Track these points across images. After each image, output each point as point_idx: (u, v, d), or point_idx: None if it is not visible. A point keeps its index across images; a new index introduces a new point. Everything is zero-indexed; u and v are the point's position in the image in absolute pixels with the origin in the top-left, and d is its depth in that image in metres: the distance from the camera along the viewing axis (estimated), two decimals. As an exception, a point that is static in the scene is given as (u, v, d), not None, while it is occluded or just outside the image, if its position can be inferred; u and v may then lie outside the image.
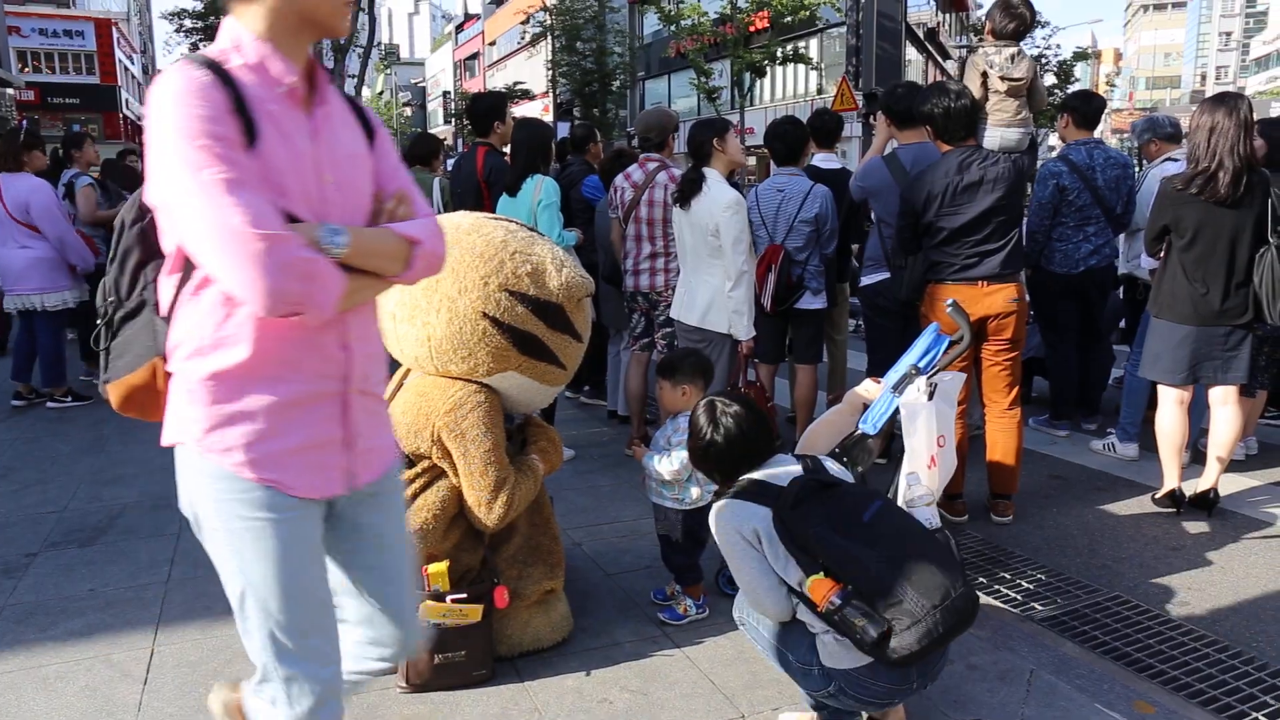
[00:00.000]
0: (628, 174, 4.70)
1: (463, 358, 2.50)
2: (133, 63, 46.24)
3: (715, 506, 2.24)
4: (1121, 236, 5.26)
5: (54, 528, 3.82)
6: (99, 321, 1.75)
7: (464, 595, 2.53)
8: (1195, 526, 3.90)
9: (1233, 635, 3.01)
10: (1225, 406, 3.88)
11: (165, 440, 1.60)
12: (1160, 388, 3.97)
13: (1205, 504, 3.94)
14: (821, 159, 5.12)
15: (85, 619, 3.00)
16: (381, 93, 70.92)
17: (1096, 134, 5.14)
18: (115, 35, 39.91)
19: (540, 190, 4.38)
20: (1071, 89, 32.92)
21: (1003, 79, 4.77)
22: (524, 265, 2.48)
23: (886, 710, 2.30)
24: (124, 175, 7.62)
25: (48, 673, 2.67)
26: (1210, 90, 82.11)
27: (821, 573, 2.00)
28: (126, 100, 42.31)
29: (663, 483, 2.91)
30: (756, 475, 2.23)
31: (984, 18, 5.38)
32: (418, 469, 2.54)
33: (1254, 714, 2.55)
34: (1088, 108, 5.03)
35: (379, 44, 27.50)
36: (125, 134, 38.65)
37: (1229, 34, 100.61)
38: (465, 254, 2.45)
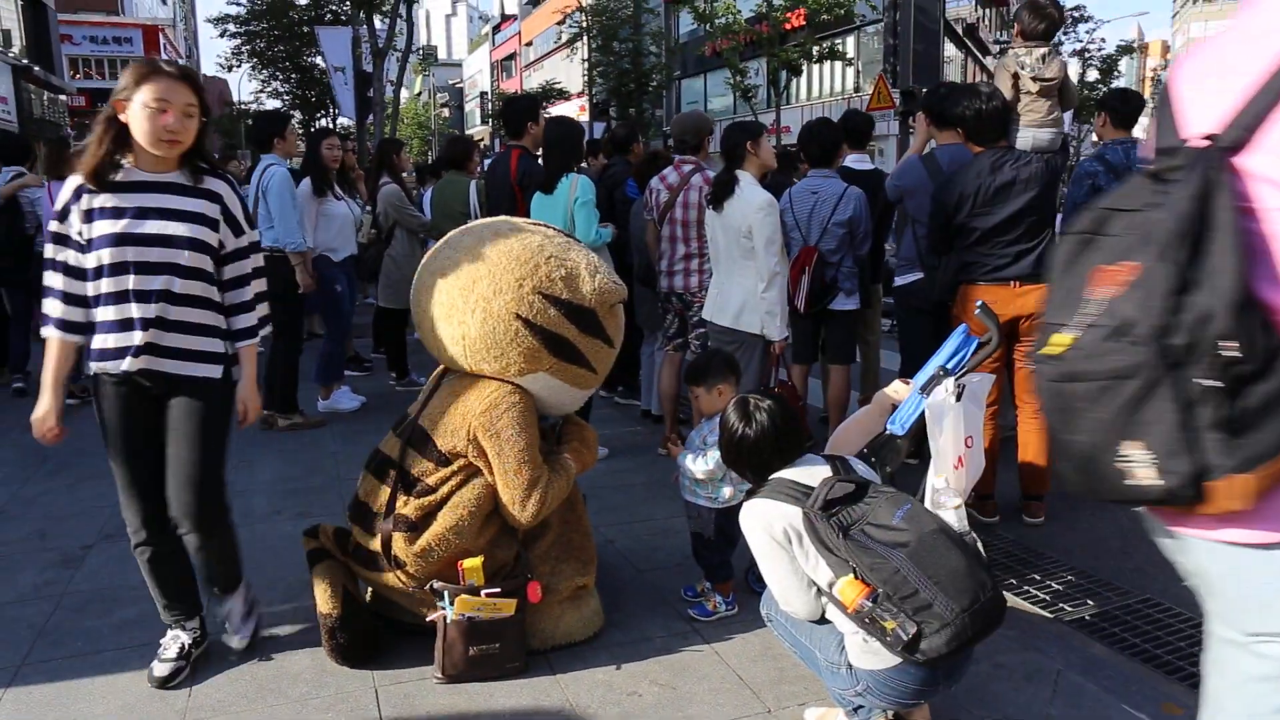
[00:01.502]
0: (663, 176, 4.76)
1: (495, 357, 2.57)
2: (179, 67, 47.22)
3: (746, 505, 2.29)
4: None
5: (108, 520, 3.97)
6: (1216, 384, 1.09)
7: (498, 589, 2.61)
8: (1232, 530, 3.86)
9: (1267, 639, 2.99)
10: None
11: None
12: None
13: (1243, 507, 3.89)
14: (854, 160, 5.14)
15: (139, 607, 3.12)
16: (419, 94, 71.69)
17: (1139, 132, 5.08)
18: (162, 41, 40.85)
19: (576, 188, 4.45)
20: (1116, 84, 32.30)
21: (1034, 79, 4.75)
22: (558, 269, 2.55)
23: (909, 708, 2.33)
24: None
25: (105, 659, 2.80)
26: (1261, 84, 79.76)
27: (852, 574, 2.04)
28: (173, 104, 43.22)
29: (696, 481, 2.97)
30: (787, 475, 2.28)
31: (1013, 19, 5.38)
32: (454, 467, 2.62)
33: (1285, 718, 2.54)
34: (1126, 107, 4.98)
35: (417, 48, 27.86)
36: (171, 137, 39.49)
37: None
38: (502, 257, 2.53)
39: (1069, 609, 3.18)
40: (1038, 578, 3.43)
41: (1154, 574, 3.48)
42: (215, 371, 2.63)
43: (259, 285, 2.73)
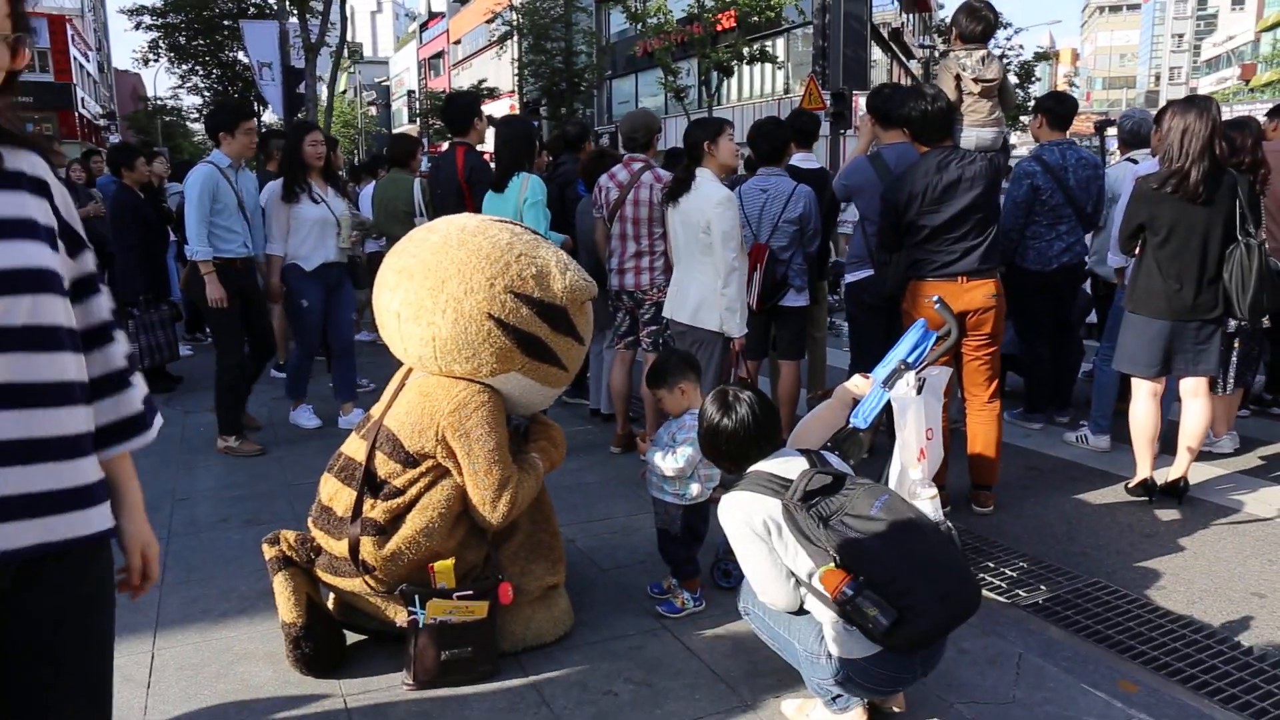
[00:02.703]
0: (612, 174, 4.75)
1: (467, 358, 2.53)
2: (88, 60, 45.36)
3: (725, 498, 2.30)
4: (1090, 233, 5.42)
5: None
6: None
7: (470, 592, 2.56)
8: (1167, 514, 4.04)
9: (1206, 616, 3.13)
10: (1195, 399, 4.01)
11: None
12: (1134, 380, 4.10)
13: (1176, 492, 4.08)
14: (801, 159, 5.21)
15: (82, 624, 2.98)
16: (345, 91, 70.12)
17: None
18: (69, 32, 39.13)
19: (526, 188, 4.42)
20: (1033, 89, 33.48)
21: (976, 80, 4.89)
22: (529, 268, 2.52)
23: (887, 697, 2.37)
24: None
25: (49, 678, 2.65)
26: (1165, 90, 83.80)
27: (833, 563, 2.07)
28: (82, 99, 41.49)
29: (665, 478, 2.97)
30: (765, 467, 2.29)
31: (949, 23, 5.53)
32: (422, 468, 2.56)
33: (1230, 690, 2.66)
34: (1061, 109, 5.17)
35: (350, 42, 27.24)
36: (81, 133, 37.91)
37: (1181, 36, 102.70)
38: (471, 255, 2.49)
39: (1023, 594, 3.28)
40: (991, 565, 3.52)
41: (1099, 558, 3.62)
42: (100, 521, 1.41)
43: (125, 338, 1.54)
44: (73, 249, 1.45)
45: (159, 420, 1.61)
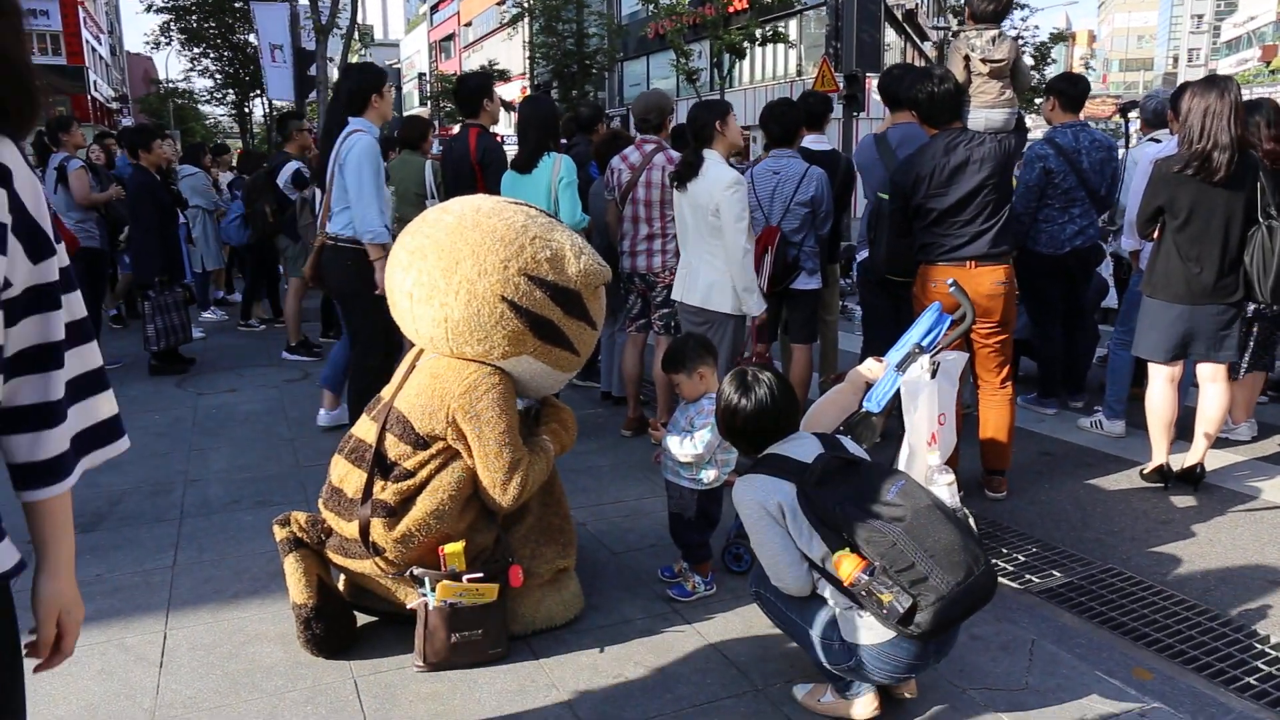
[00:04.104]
0: (624, 156, 4.72)
1: (479, 340, 2.52)
2: (100, 43, 45.38)
3: (740, 480, 2.29)
4: (1108, 215, 5.36)
5: (54, 514, 3.80)
6: None
7: (480, 574, 2.56)
8: (1182, 500, 4.00)
9: (1222, 604, 3.10)
10: (1214, 384, 3.97)
11: None
12: (1151, 366, 4.06)
13: (1192, 479, 4.04)
14: (812, 140, 5.16)
15: (94, 604, 2.99)
16: (355, 74, 69.96)
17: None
18: (81, 15, 39.14)
19: (560, 168, 4.40)
20: (1048, 71, 33.13)
21: (984, 61, 4.82)
22: (544, 251, 2.50)
23: (899, 682, 2.36)
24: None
25: (62, 657, 2.67)
26: (1183, 72, 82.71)
27: (848, 549, 2.05)
28: (94, 81, 41.54)
29: (680, 463, 2.95)
30: (781, 450, 2.28)
31: (964, 2, 5.47)
32: (432, 450, 2.56)
33: (1246, 679, 2.64)
34: (1074, 90, 5.09)
35: (361, 23, 27.19)
36: (94, 116, 37.97)
37: (1200, 16, 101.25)
38: (486, 237, 2.47)
39: (1036, 580, 3.26)
40: (1004, 550, 3.50)
41: (1114, 544, 3.59)
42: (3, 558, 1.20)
43: (87, 355, 1.34)
44: (33, 251, 1.20)
45: (85, 465, 1.36)
